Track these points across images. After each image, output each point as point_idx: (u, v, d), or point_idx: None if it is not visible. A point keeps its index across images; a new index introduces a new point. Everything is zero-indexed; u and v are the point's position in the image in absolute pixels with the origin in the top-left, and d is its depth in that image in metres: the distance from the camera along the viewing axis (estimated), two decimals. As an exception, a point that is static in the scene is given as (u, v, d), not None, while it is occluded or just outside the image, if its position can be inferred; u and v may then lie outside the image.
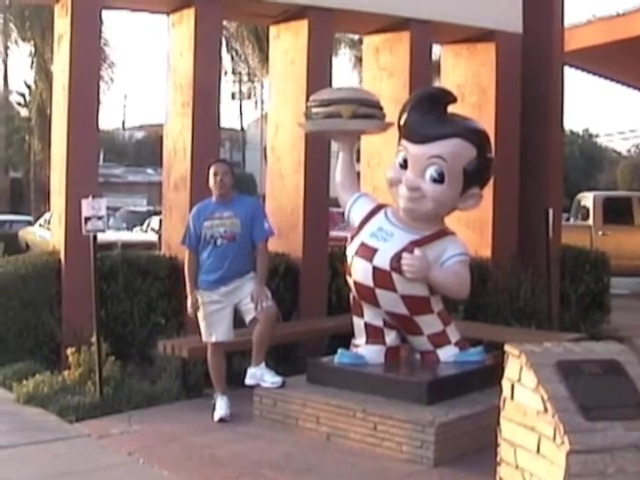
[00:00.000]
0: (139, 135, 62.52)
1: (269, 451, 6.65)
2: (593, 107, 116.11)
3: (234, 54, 31.05)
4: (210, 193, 7.58)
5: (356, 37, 32.03)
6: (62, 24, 9.26)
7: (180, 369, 8.30)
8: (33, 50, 30.42)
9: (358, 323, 7.57)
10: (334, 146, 8.42)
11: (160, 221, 14.35)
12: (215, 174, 7.47)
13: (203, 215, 7.50)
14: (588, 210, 19.71)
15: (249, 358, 7.52)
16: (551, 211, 10.29)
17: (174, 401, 8.02)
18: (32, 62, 31.20)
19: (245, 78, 47.24)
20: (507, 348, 5.00)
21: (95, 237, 7.87)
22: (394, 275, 7.08)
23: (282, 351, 8.77)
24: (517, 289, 10.86)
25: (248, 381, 7.44)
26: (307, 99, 8.42)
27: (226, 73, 33.86)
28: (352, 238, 7.51)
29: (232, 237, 7.41)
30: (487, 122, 9.34)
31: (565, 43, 12.82)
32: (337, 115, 7.63)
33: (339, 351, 7.55)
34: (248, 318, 7.42)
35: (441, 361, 7.42)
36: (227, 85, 46.10)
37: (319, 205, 9.95)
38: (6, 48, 32.50)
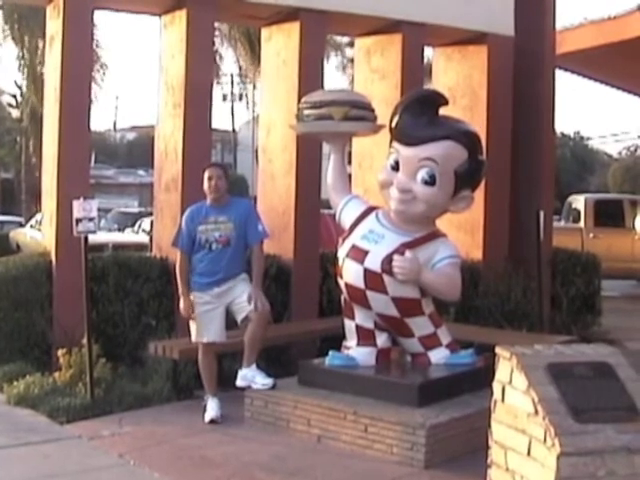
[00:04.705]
0: (130, 136, 62.48)
1: (260, 453, 6.65)
2: (585, 110, 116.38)
3: (218, 58, 31.02)
4: (202, 195, 7.58)
5: (341, 40, 32.18)
6: (54, 25, 9.24)
7: (171, 370, 8.29)
8: (24, 52, 30.38)
9: (349, 325, 7.58)
10: (325, 148, 8.43)
11: (151, 222, 14.32)
12: (209, 178, 7.46)
13: (197, 219, 7.49)
14: (579, 212, 19.77)
15: (240, 360, 7.52)
16: (542, 213, 10.30)
17: (165, 403, 8.01)
18: (20, 64, 31.18)
19: (237, 80, 47.32)
20: (498, 350, 5.00)
21: (86, 238, 7.86)
22: (385, 277, 7.09)
23: (273, 353, 8.75)
24: (508, 291, 10.87)
25: (239, 383, 7.44)
26: (299, 101, 8.43)
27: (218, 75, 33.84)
28: (343, 240, 7.51)
29: (227, 241, 7.41)
30: (479, 124, 9.37)
31: (557, 46, 12.84)
32: (329, 117, 7.64)
33: (330, 353, 7.55)
34: (240, 317, 7.42)
35: (432, 363, 7.42)
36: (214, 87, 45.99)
37: (311, 207, 9.95)
38: None
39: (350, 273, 7.33)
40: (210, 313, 7.44)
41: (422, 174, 7.13)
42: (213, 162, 9.34)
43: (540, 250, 10.25)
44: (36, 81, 30.15)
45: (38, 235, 15.88)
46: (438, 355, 7.44)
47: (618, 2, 18.86)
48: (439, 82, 11.85)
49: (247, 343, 7.37)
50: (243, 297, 7.36)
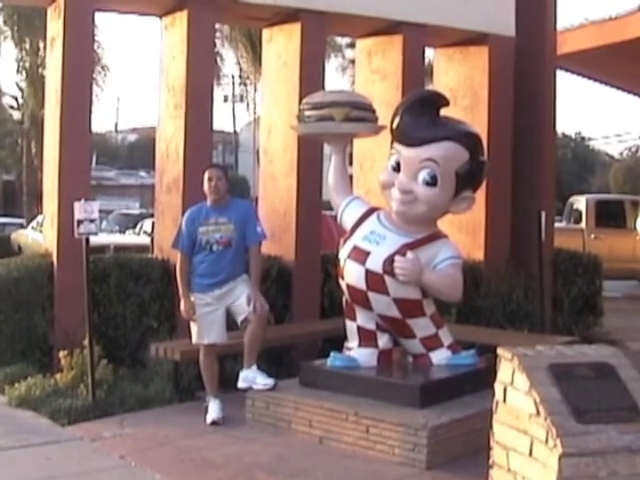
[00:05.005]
0: (132, 138, 62.51)
1: (261, 454, 6.64)
2: (586, 110, 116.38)
3: (219, 59, 31.05)
4: (203, 196, 7.57)
5: (341, 42, 32.20)
6: (55, 26, 9.24)
7: (172, 372, 8.29)
8: (23, 54, 30.42)
9: (351, 326, 7.57)
10: (327, 149, 8.42)
11: (152, 224, 14.32)
12: (209, 179, 7.46)
13: (197, 220, 7.48)
14: (581, 213, 19.79)
15: (241, 361, 7.51)
16: (543, 214, 10.31)
17: (166, 404, 8.01)
18: (19, 66, 31.23)
19: (238, 81, 47.36)
20: (500, 351, 5.00)
21: (87, 240, 7.86)
22: (387, 278, 7.08)
23: (275, 354, 8.75)
24: (510, 292, 10.87)
25: (241, 384, 7.44)
26: (300, 102, 8.43)
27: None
28: (345, 241, 7.51)
29: (227, 242, 7.40)
30: (479, 125, 9.36)
31: (558, 46, 12.85)
32: (330, 118, 7.63)
33: (332, 354, 7.54)
34: (240, 318, 7.42)
35: (434, 364, 7.41)
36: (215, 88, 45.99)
37: (312, 208, 9.95)
38: None
39: (351, 274, 7.33)
40: (211, 315, 7.44)
41: (423, 175, 7.13)
42: (213, 163, 9.34)
43: (541, 251, 10.26)
44: (35, 83, 30.17)
45: (39, 237, 15.89)
46: (440, 356, 7.44)
47: (619, 2, 18.87)
48: (440, 83, 11.85)
49: (247, 344, 7.37)
50: (242, 298, 7.36)
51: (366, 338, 7.48)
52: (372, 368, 7.42)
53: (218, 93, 44.18)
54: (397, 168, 7.29)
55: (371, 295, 7.22)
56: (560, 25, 14.10)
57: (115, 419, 7.54)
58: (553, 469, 4.34)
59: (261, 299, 7.35)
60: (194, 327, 7.53)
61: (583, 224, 19.35)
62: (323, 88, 9.70)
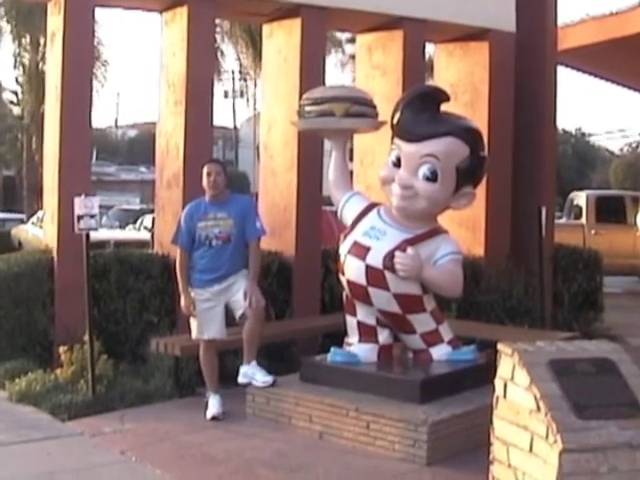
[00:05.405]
0: (132, 133, 62.50)
1: (262, 450, 6.64)
2: (586, 106, 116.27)
3: (219, 55, 31.03)
4: (203, 192, 7.57)
5: (341, 37, 32.19)
6: (55, 22, 9.23)
7: (173, 367, 8.29)
8: (20, 49, 30.41)
9: (351, 322, 7.57)
10: (327, 144, 8.42)
11: (153, 219, 14.30)
12: (208, 174, 7.45)
13: (196, 215, 7.48)
14: (581, 209, 19.75)
15: (242, 357, 7.52)
16: (544, 210, 10.30)
17: (167, 399, 8.01)
18: (16, 61, 31.22)
19: (238, 76, 47.38)
20: (500, 347, 5.00)
21: (88, 235, 7.86)
22: (387, 274, 7.09)
23: (275, 350, 8.76)
24: (510, 288, 10.86)
25: (241, 380, 7.44)
26: (300, 97, 8.42)
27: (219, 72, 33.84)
28: (345, 237, 7.51)
29: (227, 238, 7.40)
30: (480, 121, 9.34)
31: (558, 42, 12.83)
32: (330, 113, 7.63)
33: (332, 350, 7.55)
34: (237, 314, 7.42)
35: (434, 360, 7.42)
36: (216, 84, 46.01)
37: (312, 203, 9.94)
38: None
39: (352, 269, 7.33)
40: (210, 310, 7.44)
41: (424, 170, 7.13)
42: (212, 158, 9.33)
43: (542, 246, 10.25)
44: (32, 79, 30.13)
45: (40, 232, 15.87)
46: (440, 351, 7.44)
47: (619, -2, 18.85)
48: (440, 78, 11.84)
49: (245, 340, 7.37)
50: (240, 294, 7.36)
51: (366, 333, 7.49)
52: (372, 364, 7.43)
53: (218, 89, 44.18)
54: (397, 163, 7.29)
55: (371, 290, 7.22)
56: (561, 21, 14.10)
57: (115, 414, 7.54)
58: (553, 465, 4.34)
59: (257, 294, 7.34)
60: (194, 323, 7.54)
61: (583, 220, 19.32)
62: (323, 83, 9.70)
